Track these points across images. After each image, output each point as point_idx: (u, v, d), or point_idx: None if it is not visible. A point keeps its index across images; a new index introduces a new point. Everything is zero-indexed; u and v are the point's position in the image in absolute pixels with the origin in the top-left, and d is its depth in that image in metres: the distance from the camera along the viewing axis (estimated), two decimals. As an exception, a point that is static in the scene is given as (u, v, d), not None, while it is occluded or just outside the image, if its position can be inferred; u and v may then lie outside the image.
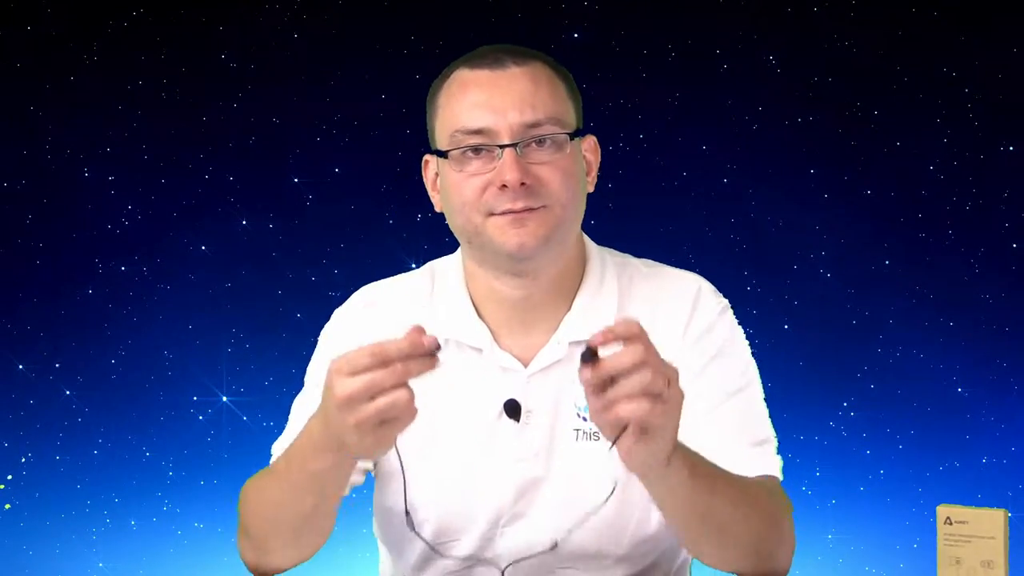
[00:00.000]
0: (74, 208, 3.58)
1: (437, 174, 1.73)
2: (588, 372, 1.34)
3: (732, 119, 3.52)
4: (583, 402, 1.71)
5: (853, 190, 3.52)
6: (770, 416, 1.73)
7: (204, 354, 3.58)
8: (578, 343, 1.70)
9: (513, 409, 1.71)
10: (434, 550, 1.74)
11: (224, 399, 3.55)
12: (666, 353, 1.38)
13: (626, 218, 3.44)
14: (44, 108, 3.56)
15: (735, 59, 3.51)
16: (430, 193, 1.76)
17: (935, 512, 1.72)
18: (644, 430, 1.36)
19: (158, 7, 3.55)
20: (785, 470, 1.71)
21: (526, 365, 1.72)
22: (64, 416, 3.57)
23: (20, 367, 3.56)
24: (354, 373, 1.34)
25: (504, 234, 1.64)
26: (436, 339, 1.34)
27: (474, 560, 1.73)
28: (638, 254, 1.82)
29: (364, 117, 3.58)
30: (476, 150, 1.65)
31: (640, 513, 1.72)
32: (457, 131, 1.66)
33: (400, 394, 1.33)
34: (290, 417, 1.77)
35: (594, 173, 1.76)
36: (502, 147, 1.64)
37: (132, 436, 3.59)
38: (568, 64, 1.74)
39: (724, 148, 3.55)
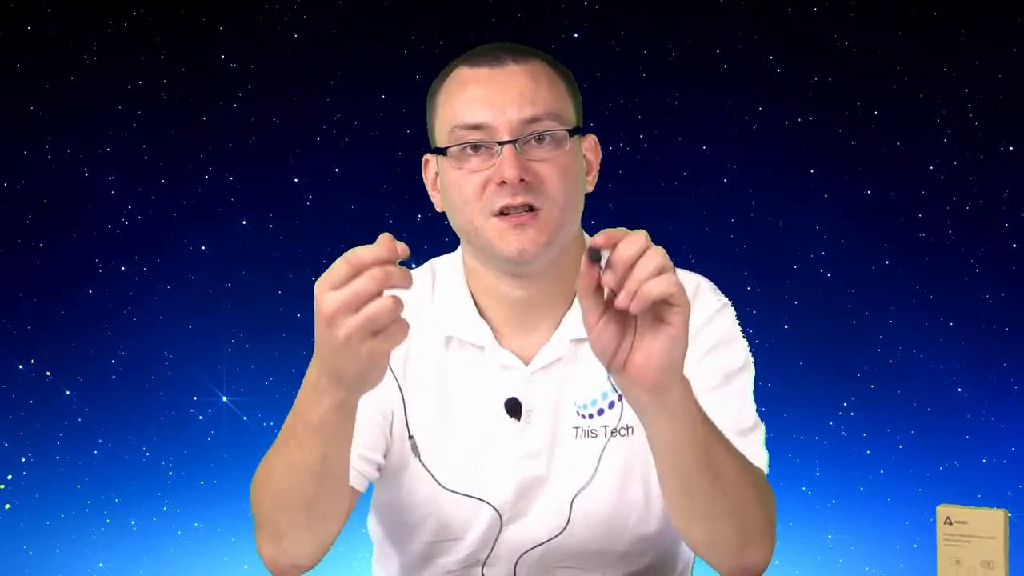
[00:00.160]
0: (74, 208, 3.58)
1: (437, 173, 1.73)
2: (596, 272, 1.36)
3: (732, 119, 3.52)
4: (583, 400, 1.72)
5: (853, 190, 3.52)
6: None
7: (204, 354, 3.58)
8: (579, 341, 1.70)
9: (514, 408, 1.71)
10: (433, 549, 1.75)
11: (224, 399, 3.55)
12: None
13: (626, 218, 3.43)
14: (44, 108, 3.56)
15: (735, 59, 3.51)
16: (430, 193, 1.76)
17: (935, 512, 1.72)
18: (664, 319, 1.37)
19: (158, 7, 3.55)
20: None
21: (527, 363, 1.72)
22: (64, 416, 3.57)
23: (20, 367, 3.56)
24: (336, 286, 1.33)
25: (504, 239, 1.64)
26: (406, 246, 1.35)
27: (473, 559, 1.74)
28: (638, 253, 1.82)
29: (364, 117, 3.58)
30: (475, 147, 1.65)
31: (639, 511, 1.73)
32: (456, 126, 1.66)
33: (384, 300, 1.32)
34: None
35: (594, 173, 1.76)
36: (501, 144, 1.64)
37: (132, 436, 3.59)
38: (568, 64, 1.74)
39: (724, 148, 3.55)
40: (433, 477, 1.65)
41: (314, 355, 1.42)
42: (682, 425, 1.47)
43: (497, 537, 1.72)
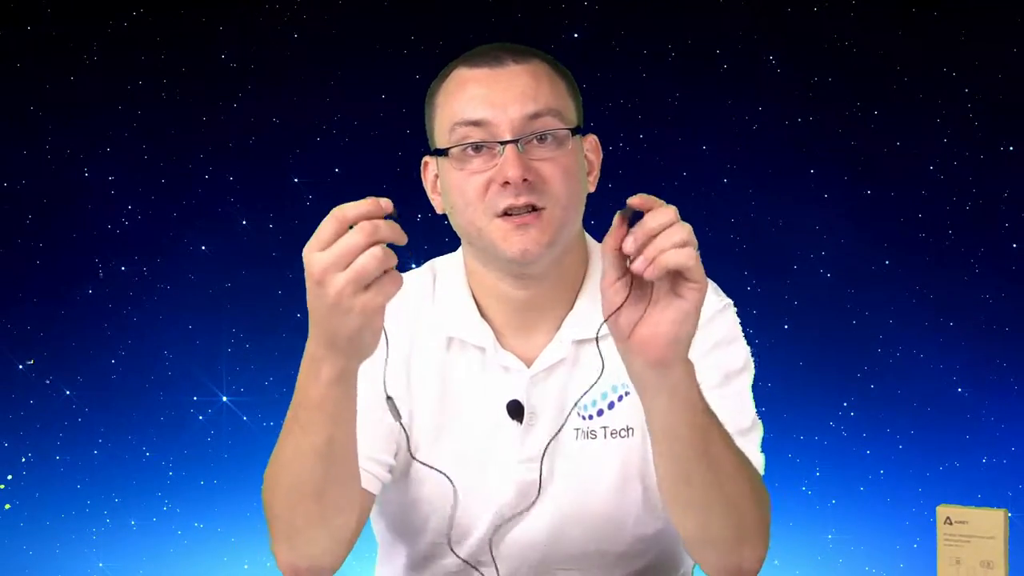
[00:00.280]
0: (74, 208, 3.58)
1: (437, 176, 1.72)
2: (624, 231, 1.40)
3: (732, 119, 3.53)
4: (584, 401, 1.72)
5: (853, 190, 3.52)
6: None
7: (204, 354, 3.58)
8: (580, 342, 1.70)
9: (516, 411, 1.71)
10: (434, 550, 1.75)
11: (224, 399, 3.55)
12: None
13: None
14: (44, 108, 3.56)
15: (735, 59, 3.51)
16: (430, 196, 1.75)
17: (935, 512, 1.72)
18: (680, 293, 1.39)
19: (158, 7, 3.55)
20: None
21: (528, 365, 1.72)
22: (64, 416, 3.57)
23: (20, 367, 3.56)
24: (324, 246, 1.33)
25: (507, 240, 1.63)
26: (390, 201, 1.35)
27: (475, 560, 1.74)
28: (638, 254, 1.82)
29: (364, 117, 3.58)
30: (477, 148, 1.64)
31: (638, 511, 1.72)
32: (457, 123, 1.65)
33: (374, 251, 1.32)
34: None
35: (596, 173, 1.76)
36: (503, 143, 1.63)
37: (132, 436, 3.59)
38: (568, 64, 1.74)
39: (724, 148, 3.55)
40: (433, 478, 1.65)
41: (309, 328, 1.41)
42: (682, 408, 1.47)
43: (498, 538, 1.72)
